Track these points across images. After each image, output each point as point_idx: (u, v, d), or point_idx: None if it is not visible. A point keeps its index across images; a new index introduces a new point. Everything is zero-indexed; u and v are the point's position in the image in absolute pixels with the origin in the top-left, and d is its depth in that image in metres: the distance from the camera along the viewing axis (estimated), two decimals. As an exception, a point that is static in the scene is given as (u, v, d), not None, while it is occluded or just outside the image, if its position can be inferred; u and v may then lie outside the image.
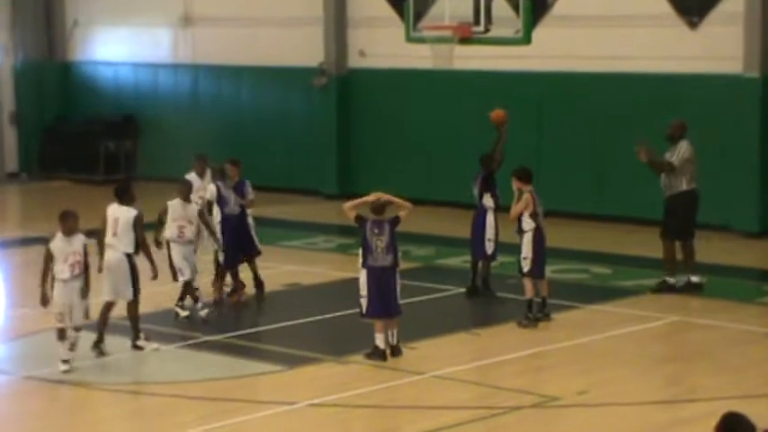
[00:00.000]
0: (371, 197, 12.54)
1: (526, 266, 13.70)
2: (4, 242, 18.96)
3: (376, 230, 12.28)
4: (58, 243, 11.96)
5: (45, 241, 12.29)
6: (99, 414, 11.30)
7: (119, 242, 12.57)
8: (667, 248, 15.31)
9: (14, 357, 13.11)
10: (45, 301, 12.06)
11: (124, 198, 12.83)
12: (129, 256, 12.59)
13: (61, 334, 12.02)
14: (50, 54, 27.21)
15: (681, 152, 15.13)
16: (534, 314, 13.70)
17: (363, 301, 12.36)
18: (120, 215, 12.65)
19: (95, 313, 12.56)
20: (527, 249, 13.67)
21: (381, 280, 12.31)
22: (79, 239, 11.98)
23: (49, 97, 26.89)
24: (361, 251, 12.37)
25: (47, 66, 27.06)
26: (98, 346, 12.66)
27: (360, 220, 12.38)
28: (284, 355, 12.87)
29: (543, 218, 13.86)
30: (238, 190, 15.05)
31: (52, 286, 11.99)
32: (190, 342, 13.38)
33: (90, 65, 27.03)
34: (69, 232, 11.94)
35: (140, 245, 12.64)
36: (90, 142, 25.72)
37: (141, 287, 12.80)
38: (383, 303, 12.33)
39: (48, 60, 27.14)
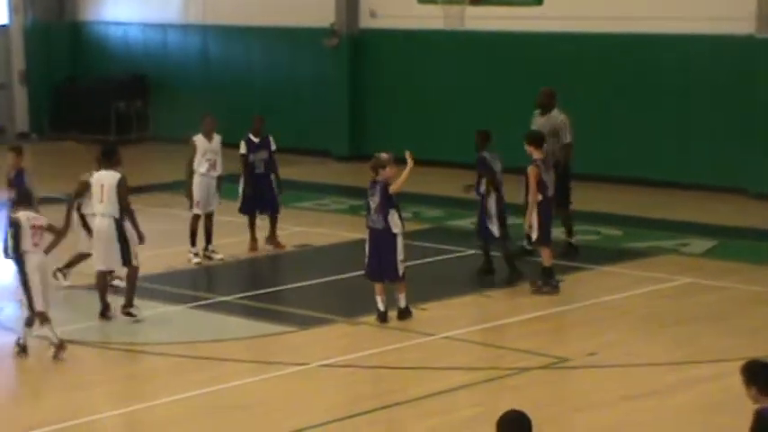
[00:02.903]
0: (409, 161, 12.27)
1: (534, 234, 13.60)
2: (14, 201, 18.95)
3: (371, 191, 12.28)
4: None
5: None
6: (109, 373, 11.34)
7: (106, 208, 12.40)
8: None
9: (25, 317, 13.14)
10: None
11: (110, 161, 12.55)
12: (117, 221, 12.41)
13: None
14: (60, 14, 27.13)
15: (561, 122, 14.61)
16: (532, 279, 13.61)
17: (365, 261, 12.39)
18: (105, 181, 12.44)
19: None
20: (534, 218, 13.52)
21: (377, 242, 12.28)
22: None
23: (58, 57, 26.84)
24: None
25: (57, 26, 26.98)
26: (105, 315, 12.60)
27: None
28: (295, 315, 12.90)
29: (553, 184, 13.66)
30: (264, 145, 15.30)
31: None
32: (201, 303, 13.41)
33: (100, 25, 26.95)
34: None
35: (124, 209, 12.42)
36: (100, 102, 25.68)
37: (147, 250, 12.74)
38: (379, 266, 12.31)
39: (58, 20, 27.06)
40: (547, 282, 13.52)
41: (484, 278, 14.03)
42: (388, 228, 12.23)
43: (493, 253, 13.99)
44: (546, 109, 14.81)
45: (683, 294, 13.64)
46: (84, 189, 13.24)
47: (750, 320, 12.57)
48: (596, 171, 20.18)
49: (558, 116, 14.73)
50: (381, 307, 12.39)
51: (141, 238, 12.61)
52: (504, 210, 13.78)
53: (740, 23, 18.75)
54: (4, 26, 26.42)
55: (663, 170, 19.76)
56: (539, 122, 14.75)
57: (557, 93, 15.00)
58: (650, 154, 19.89)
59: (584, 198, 18.64)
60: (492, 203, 13.68)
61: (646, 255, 15.40)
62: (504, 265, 13.83)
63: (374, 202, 12.22)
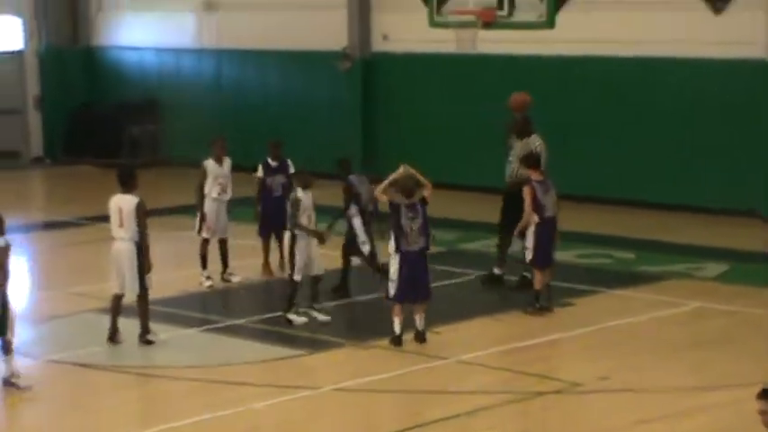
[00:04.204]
0: (400, 171, 12.53)
1: (528, 255, 13.67)
2: (29, 226, 19.05)
3: (410, 214, 12.32)
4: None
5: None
6: (122, 397, 11.35)
7: (126, 232, 12.40)
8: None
9: (38, 340, 13.16)
10: None
11: (127, 185, 12.53)
12: (138, 245, 12.40)
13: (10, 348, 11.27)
14: (75, 39, 27.28)
15: (538, 148, 14.35)
16: (541, 303, 13.64)
17: (392, 285, 12.38)
18: (123, 205, 12.43)
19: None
20: (529, 240, 13.62)
21: (414, 264, 12.35)
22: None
23: (73, 82, 26.96)
24: (392, 236, 12.36)
25: (71, 51, 27.13)
26: (112, 339, 12.57)
27: (392, 205, 12.38)
28: (308, 339, 12.89)
29: (554, 205, 13.71)
30: (282, 169, 15.40)
31: None
32: (213, 326, 13.42)
33: (114, 50, 27.09)
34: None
35: (140, 233, 12.40)
36: (114, 127, 25.77)
37: (160, 273, 12.77)
38: (413, 288, 12.37)
39: (72, 45, 27.21)
40: (532, 303, 13.53)
41: (496, 299, 14.04)
42: (425, 247, 12.34)
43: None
44: (522, 135, 14.67)
45: (696, 318, 13.61)
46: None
47: (764, 345, 12.53)
48: (609, 194, 20.19)
49: (534, 142, 14.56)
50: (398, 330, 12.41)
51: (149, 266, 12.57)
52: (371, 228, 14.26)
53: (752, 48, 18.79)
54: (18, 51, 26.58)
55: (675, 193, 19.74)
56: (516, 147, 14.64)
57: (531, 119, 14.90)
58: (663, 177, 19.87)
59: (597, 221, 18.68)
60: (359, 223, 14.09)
61: (658, 278, 15.38)
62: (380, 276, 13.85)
63: (416, 223, 12.29)
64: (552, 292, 13.80)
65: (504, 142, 15.07)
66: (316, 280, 13.37)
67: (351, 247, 14.38)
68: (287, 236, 13.29)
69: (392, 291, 12.41)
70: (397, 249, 12.33)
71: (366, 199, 14.27)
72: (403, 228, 12.29)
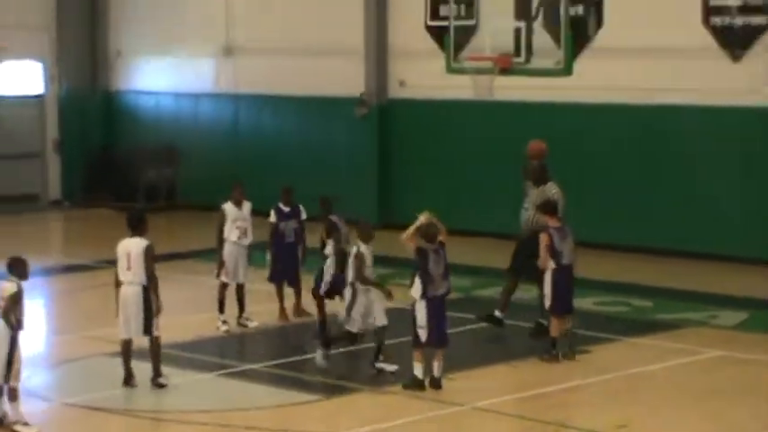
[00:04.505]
0: (423, 219, 12.49)
1: (547, 302, 13.64)
2: (47, 269, 19.08)
3: (435, 259, 12.34)
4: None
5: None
6: (137, 442, 11.32)
7: (134, 276, 12.38)
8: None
9: (54, 384, 13.15)
10: None
11: (137, 228, 12.52)
12: (145, 289, 12.39)
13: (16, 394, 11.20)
14: (94, 83, 27.46)
15: (554, 196, 14.31)
16: (559, 350, 13.57)
17: (422, 332, 12.32)
18: (131, 249, 12.42)
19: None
20: (546, 287, 13.60)
21: (439, 309, 12.37)
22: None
23: (92, 126, 27.12)
24: (418, 282, 12.30)
25: (90, 95, 27.30)
26: (128, 383, 12.55)
27: (421, 251, 12.36)
28: (323, 384, 12.84)
29: (571, 252, 13.69)
30: (294, 214, 15.38)
31: None
32: (228, 371, 13.38)
33: (132, 94, 27.25)
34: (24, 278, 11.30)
35: (149, 277, 12.41)
36: (132, 171, 25.89)
37: (176, 317, 12.74)
38: (440, 333, 12.37)
39: (91, 90, 27.39)
40: (548, 350, 13.48)
41: (512, 346, 13.97)
42: (447, 292, 12.41)
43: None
44: (539, 182, 14.69)
45: (713, 367, 13.52)
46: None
47: (782, 394, 12.44)
48: (626, 242, 20.13)
49: (551, 189, 14.55)
50: (420, 374, 12.38)
51: (159, 309, 12.55)
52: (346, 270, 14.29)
53: (769, 95, 18.83)
54: (39, 95, 26.76)
55: (692, 241, 19.67)
56: (532, 194, 14.66)
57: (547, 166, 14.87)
58: (680, 225, 19.81)
59: (614, 269, 18.61)
60: (330, 263, 14.18)
61: (676, 326, 15.29)
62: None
63: (440, 268, 12.31)
64: (572, 340, 13.72)
65: (521, 188, 15.07)
66: (380, 331, 13.13)
67: (318, 287, 14.40)
68: (348, 290, 13.03)
69: (423, 337, 12.36)
70: (424, 295, 12.31)
71: (343, 240, 14.29)
72: (431, 273, 12.27)
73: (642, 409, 11.88)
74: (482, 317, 14.80)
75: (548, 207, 13.87)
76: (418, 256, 12.34)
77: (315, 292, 14.47)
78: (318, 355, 13.13)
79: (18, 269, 11.30)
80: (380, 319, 13.02)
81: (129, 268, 12.44)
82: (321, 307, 14.42)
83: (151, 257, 12.43)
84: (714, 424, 11.48)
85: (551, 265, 13.54)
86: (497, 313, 14.77)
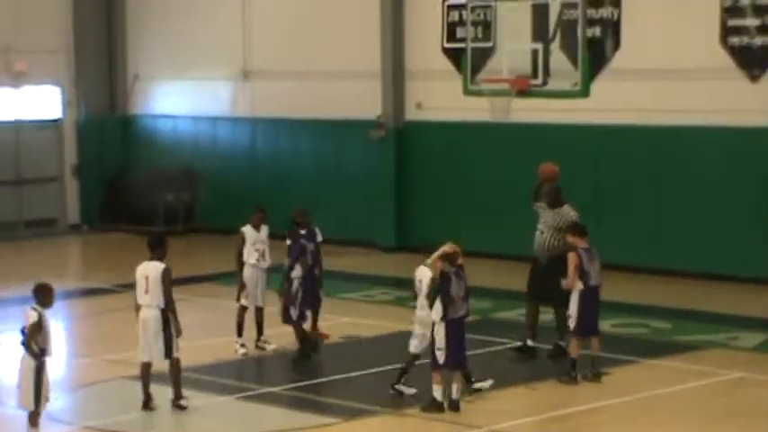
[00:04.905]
0: (448, 248, 12.49)
1: (572, 323, 13.63)
2: (66, 293, 19.14)
3: (457, 281, 12.37)
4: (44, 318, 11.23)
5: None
6: (157, 465, 11.33)
7: (152, 299, 12.43)
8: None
9: (75, 407, 13.18)
10: None
11: (156, 252, 12.59)
12: (163, 312, 12.43)
13: (36, 419, 11.27)
14: (112, 108, 27.59)
15: (571, 218, 14.40)
16: (584, 372, 13.54)
17: (440, 354, 12.33)
18: (149, 272, 12.48)
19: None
20: (572, 307, 13.60)
21: (458, 331, 12.40)
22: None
23: (110, 150, 27.23)
24: (439, 305, 12.30)
25: (108, 119, 27.43)
26: (147, 406, 12.58)
27: (444, 274, 12.37)
28: (342, 407, 12.84)
29: (598, 274, 13.69)
30: (310, 237, 15.32)
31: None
32: (247, 393, 13.39)
33: (150, 118, 27.37)
34: (49, 305, 11.30)
35: (167, 301, 12.45)
36: (150, 194, 25.96)
37: (194, 340, 12.75)
38: (460, 355, 12.39)
39: (109, 114, 27.51)
40: (567, 372, 13.45)
41: (531, 368, 13.93)
42: (466, 315, 12.45)
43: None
44: (554, 205, 14.68)
45: (733, 389, 13.46)
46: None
47: (803, 416, 12.37)
48: (644, 263, 20.08)
49: (568, 212, 14.56)
50: (440, 397, 12.38)
51: (179, 332, 12.61)
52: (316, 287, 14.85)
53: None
54: (57, 120, 26.91)
55: (711, 262, 19.62)
56: (547, 216, 14.66)
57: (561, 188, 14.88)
58: (698, 246, 19.76)
59: (633, 290, 18.56)
60: (297, 273, 14.58)
61: (695, 348, 15.24)
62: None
63: (461, 290, 12.35)
64: (597, 362, 13.67)
65: (531, 208, 15.06)
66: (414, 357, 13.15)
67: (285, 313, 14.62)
68: (418, 312, 12.94)
69: (441, 359, 12.36)
70: (444, 317, 12.32)
71: (312, 255, 14.69)
72: (452, 295, 12.30)
73: (661, 431, 11.82)
74: (515, 349, 14.70)
75: (577, 228, 13.88)
76: (441, 279, 12.35)
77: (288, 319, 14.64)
78: (406, 390, 13.04)
79: (40, 296, 11.30)
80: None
81: (147, 291, 12.49)
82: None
83: (168, 281, 12.47)
84: (734, 446, 11.44)
85: (579, 285, 13.53)
86: (530, 342, 14.74)
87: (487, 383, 13.08)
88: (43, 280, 11.55)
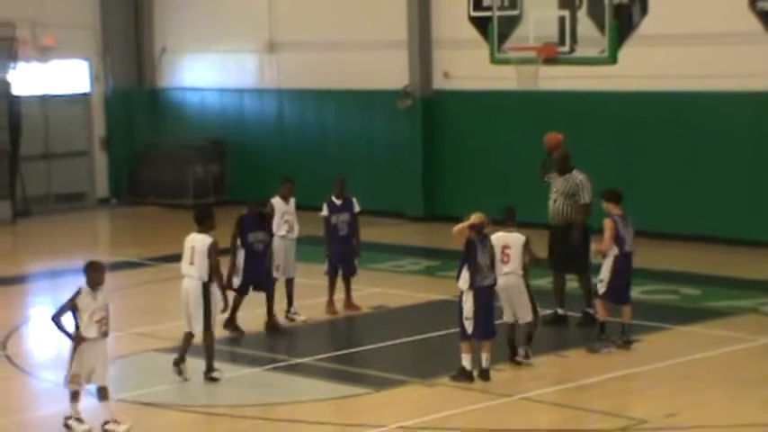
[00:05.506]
0: (475, 219, 12.49)
1: (601, 288, 13.61)
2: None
3: (482, 248, 12.36)
4: (85, 297, 11.13)
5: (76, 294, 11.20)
6: (189, 436, 11.42)
7: (195, 270, 12.49)
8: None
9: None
10: None
11: (203, 224, 12.68)
12: (205, 285, 12.51)
13: (75, 396, 11.24)
14: (139, 81, 27.68)
15: (580, 183, 14.59)
16: (614, 339, 13.53)
17: (468, 323, 12.35)
18: (196, 243, 12.55)
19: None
20: (605, 272, 13.58)
21: (486, 299, 12.40)
22: (104, 294, 11.23)
23: (138, 123, 27.34)
24: (467, 273, 12.33)
25: (136, 92, 27.52)
26: (178, 364, 12.70)
27: (470, 242, 12.37)
28: (372, 377, 12.89)
29: (632, 241, 13.68)
30: (347, 207, 15.34)
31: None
32: (278, 365, 13.47)
33: (178, 91, 27.43)
34: (96, 284, 11.20)
35: (213, 273, 12.50)
36: (178, 167, 26.05)
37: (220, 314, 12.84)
38: (488, 324, 12.41)
39: (137, 87, 27.61)
40: (598, 337, 13.47)
41: (560, 336, 13.94)
42: (493, 284, 12.43)
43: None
44: (563, 171, 14.76)
45: (764, 355, 13.42)
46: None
47: (835, 380, 12.32)
48: (674, 230, 20.02)
49: (577, 177, 14.67)
50: (469, 366, 12.40)
51: (226, 307, 12.67)
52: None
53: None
54: (85, 94, 27.01)
55: (741, 228, 19.53)
56: (558, 183, 14.76)
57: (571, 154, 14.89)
58: (728, 212, 19.67)
59: (663, 257, 18.51)
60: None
61: (725, 314, 15.20)
62: None
63: (488, 258, 12.38)
64: (628, 330, 13.65)
65: (540, 180, 15.10)
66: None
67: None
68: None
69: (469, 329, 12.38)
70: (471, 285, 12.33)
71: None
72: (479, 263, 12.30)
73: (692, 398, 11.83)
74: (547, 318, 14.69)
75: (611, 195, 13.86)
76: (467, 248, 12.35)
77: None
78: (523, 354, 13.07)
79: (88, 275, 11.21)
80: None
81: (191, 263, 12.56)
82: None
83: (215, 254, 12.50)
84: (765, 412, 11.40)
85: (614, 250, 13.51)
86: (560, 311, 14.76)
87: (530, 361, 13.02)
88: (92, 258, 11.50)
